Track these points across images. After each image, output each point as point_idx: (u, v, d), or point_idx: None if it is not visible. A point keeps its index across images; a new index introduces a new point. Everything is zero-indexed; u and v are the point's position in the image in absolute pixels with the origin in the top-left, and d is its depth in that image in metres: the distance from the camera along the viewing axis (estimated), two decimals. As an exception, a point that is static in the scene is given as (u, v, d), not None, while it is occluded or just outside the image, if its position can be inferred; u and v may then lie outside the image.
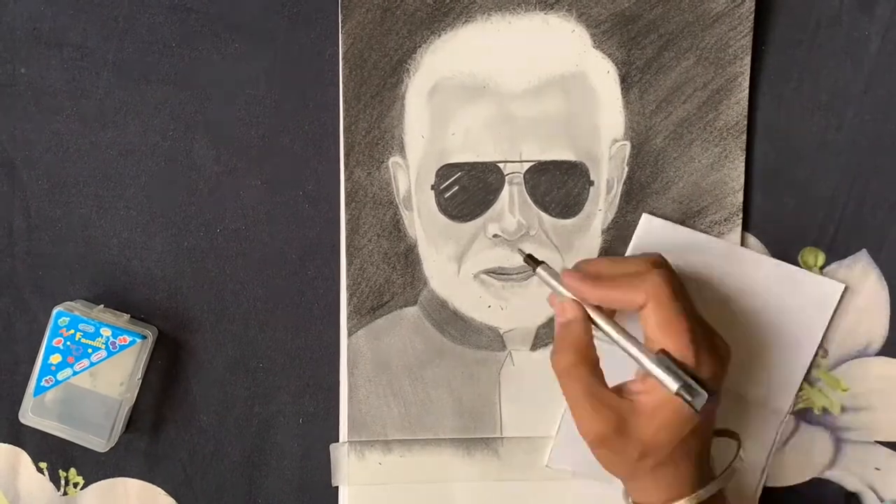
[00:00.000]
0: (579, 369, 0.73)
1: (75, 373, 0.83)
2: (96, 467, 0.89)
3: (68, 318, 0.83)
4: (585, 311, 0.74)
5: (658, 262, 0.75)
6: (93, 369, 0.83)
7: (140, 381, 0.85)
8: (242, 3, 0.84)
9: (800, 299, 0.84)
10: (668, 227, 0.83)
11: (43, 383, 0.83)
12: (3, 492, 0.89)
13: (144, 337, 0.84)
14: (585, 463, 0.79)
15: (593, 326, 0.74)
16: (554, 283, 0.76)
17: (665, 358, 0.70)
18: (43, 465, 0.89)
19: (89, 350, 0.83)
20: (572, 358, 0.73)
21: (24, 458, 0.89)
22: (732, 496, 0.78)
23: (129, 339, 0.83)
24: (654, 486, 0.74)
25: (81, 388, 0.84)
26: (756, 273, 0.83)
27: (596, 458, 0.75)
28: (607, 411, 0.72)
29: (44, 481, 0.89)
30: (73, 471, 0.89)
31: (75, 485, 0.89)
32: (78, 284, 0.87)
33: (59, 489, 0.89)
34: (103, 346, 0.82)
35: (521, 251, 0.80)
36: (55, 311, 0.83)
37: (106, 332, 0.82)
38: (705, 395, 0.69)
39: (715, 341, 0.75)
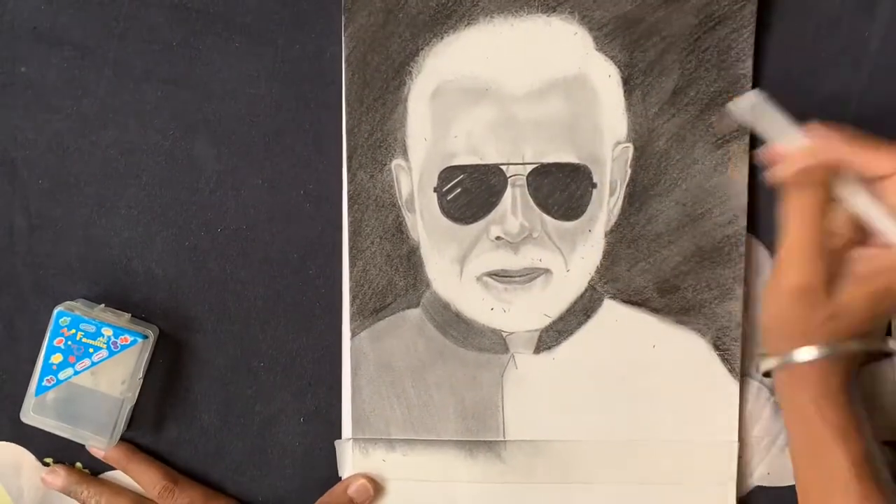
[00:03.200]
0: (814, 218, 0.72)
1: (77, 372, 0.83)
2: (101, 462, 0.89)
3: (69, 318, 0.83)
4: (827, 161, 0.72)
5: None
6: (94, 368, 0.83)
7: (141, 380, 0.85)
8: (243, 2, 0.83)
9: None
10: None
11: (44, 383, 0.83)
12: (7, 489, 0.89)
13: (146, 336, 0.84)
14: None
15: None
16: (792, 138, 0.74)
17: None
18: (48, 460, 0.90)
19: (91, 350, 0.83)
20: (815, 199, 0.73)
21: (28, 457, 0.90)
22: None
23: (130, 338, 0.83)
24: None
25: (83, 388, 0.84)
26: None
27: (768, 308, 0.77)
28: (822, 267, 0.72)
29: (51, 475, 0.90)
30: (78, 465, 0.90)
31: (81, 479, 0.90)
32: (79, 284, 0.87)
33: (65, 483, 0.90)
34: (105, 346, 0.82)
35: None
36: (56, 310, 0.83)
37: (107, 331, 0.82)
38: None
39: None
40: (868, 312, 0.72)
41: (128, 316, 0.85)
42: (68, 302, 0.85)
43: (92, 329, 0.83)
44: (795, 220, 0.73)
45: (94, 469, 0.90)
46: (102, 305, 0.86)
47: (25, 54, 0.85)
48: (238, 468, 0.89)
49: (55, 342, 0.83)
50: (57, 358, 0.83)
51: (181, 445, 0.89)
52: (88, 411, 0.84)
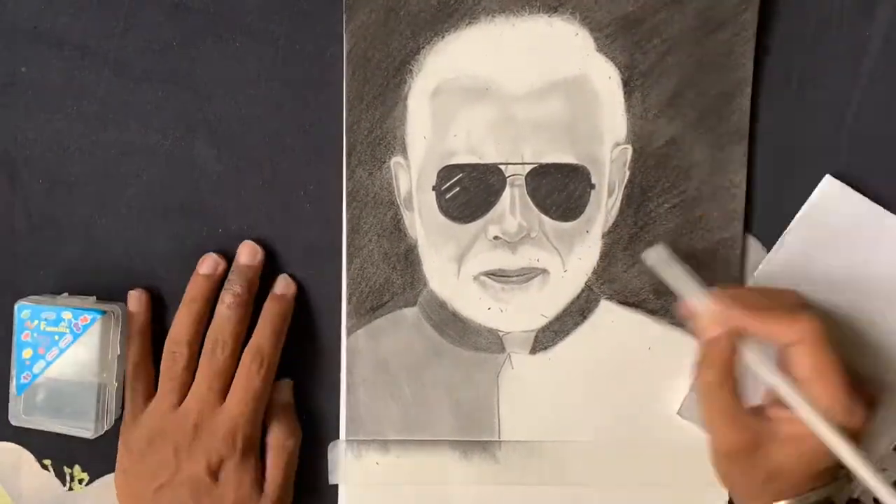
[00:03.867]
0: (722, 389, 0.73)
1: (49, 363, 0.82)
2: (101, 463, 0.88)
3: (30, 311, 0.81)
4: (733, 330, 0.73)
5: (805, 303, 0.75)
6: (72, 359, 0.81)
7: (118, 361, 0.84)
8: (243, 2, 0.83)
9: None
10: (855, 199, 0.82)
11: (22, 380, 0.82)
12: (6, 490, 0.88)
13: (104, 312, 0.82)
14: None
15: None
16: (697, 298, 0.75)
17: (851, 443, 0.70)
18: (47, 461, 0.89)
19: (55, 337, 0.81)
20: (717, 377, 0.73)
21: (27, 456, 0.88)
22: None
23: (90, 317, 0.81)
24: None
25: (63, 380, 0.82)
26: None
27: (716, 471, 0.77)
28: (745, 432, 0.72)
29: (49, 478, 0.89)
30: (77, 467, 0.89)
31: (80, 481, 0.89)
32: (79, 284, 0.86)
33: (64, 485, 0.89)
34: (67, 330, 0.81)
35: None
36: (16, 305, 0.82)
37: (67, 315, 0.81)
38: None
39: (864, 388, 0.74)
40: (806, 472, 0.72)
41: (92, 298, 0.84)
42: (31, 296, 0.84)
43: (52, 316, 0.81)
44: (710, 396, 0.74)
45: (92, 472, 0.89)
46: (65, 294, 0.85)
47: (25, 54, 0.84)
48: (235, 468, 0.88)
49: (22, 337, 0.82)
50: (28, 353, 0.82)
51: (179, 444, 0.88)
52: (72, 402, 0.82)
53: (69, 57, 0.84)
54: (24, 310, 0.82)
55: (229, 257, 0.85)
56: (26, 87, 0.85)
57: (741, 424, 0.73)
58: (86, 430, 0.83)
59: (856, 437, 0.71)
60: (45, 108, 0.85)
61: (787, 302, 0.74)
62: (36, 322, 0.81)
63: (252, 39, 0.83)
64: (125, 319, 0.84)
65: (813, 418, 0.71)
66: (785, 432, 0.72)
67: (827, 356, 0.70)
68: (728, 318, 0.73)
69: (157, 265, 0.86)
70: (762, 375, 0.73)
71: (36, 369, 0.82)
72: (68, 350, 0.81)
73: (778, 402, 0.73)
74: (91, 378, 0.82)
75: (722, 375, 0.73)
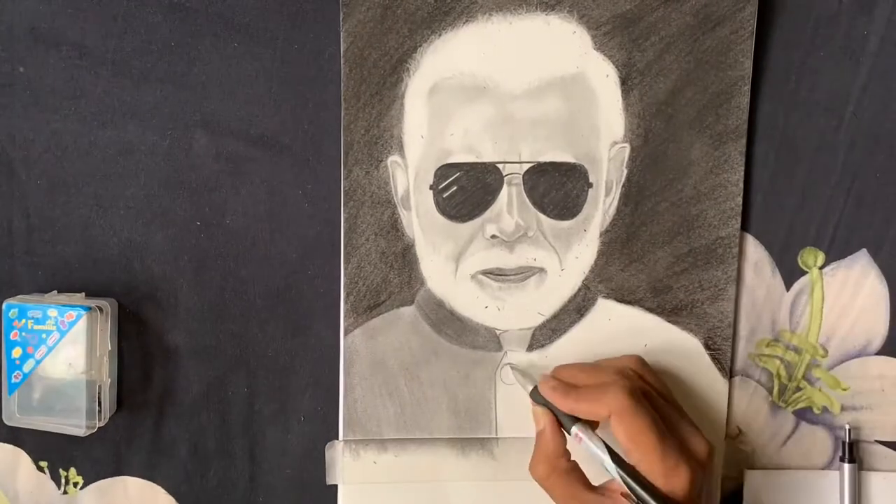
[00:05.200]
0: (555, 477, 0.75)
1: (38, 361, 0.81)
2: (96, 466, 0.87)
3: (17, 310, 0.81)
4: (555, 420, 0.77)
5: (627, 370, 0.77)
6: (62, 357, 0.81)
7: (110, 357, 0.83)
8: (242, 2, 0.82)
9: None
10: None
11: (13, 380, 0.81)
12: (4, 491, 0.87)
13: (90, 308, 0.81)
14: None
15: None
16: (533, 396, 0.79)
17: (626, 476, 0.72)
18: (43, 463, 0.87)
19: (43, 335, 0.81)
20: (546, 468, 0.76)
21: (24, 458, 0.87)
22: None
23: (75, 314, 0.80)
24: None
25: (53, 378, 0.81)
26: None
27: None
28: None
29: (45, 480, 0.88)
30: (72, 470, 0.87)
31: (75, 484, 0.88)
32: (77, 284, 0.85)
33: (59, 487, 0.88)
34: (54, 328, 0.80)
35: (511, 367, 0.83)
36: (4, 304, 0.81)
37: (53, 312, 0.80)
38: None
39: (691, 443, 0.74)
40: None
41: (80, 295, 0.83)
42: (20, 295, 0.83)
43: (39, 314, 0.81)
44: (549, 486, 0.76)
45: (86, 475, 0.88)
46: (55, 291, 0.84)
47: (23, 54, 0.83)
48: (237, 467, 0.87)
49: (11, 336, 0.81)
50: (17, 352, 0.81)
51: (180, 445, 0.87)
52: (62, 400, 0.82)
53: (67, 57, 0.83)
54: (11, 309, 0.81)
55: (227, 256, 0.84)
56: (24, 87, 0.83)
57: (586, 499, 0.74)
58: (77, 427, 0.82)
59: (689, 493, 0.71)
60: (43, 108, 0.83)
61: (602, 378, 0.75)
62: (23, 321, 0.80)
63: (250, 39, 0.82)
64: (116, 315, 0.83)
65: (625, 484, 0.73)
66: (622, 501, 0.73)
67: (634, 424, 0.72)
68: (550, 401, 0.77)
69: (154, 264, 0.85)
70: (591, 454, 0.75)
71: (26, 368, 0.81)
72: (56, 347, 0.81)
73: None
74: (80, 375, 0.81)
75: (551, 465, 0.75)
